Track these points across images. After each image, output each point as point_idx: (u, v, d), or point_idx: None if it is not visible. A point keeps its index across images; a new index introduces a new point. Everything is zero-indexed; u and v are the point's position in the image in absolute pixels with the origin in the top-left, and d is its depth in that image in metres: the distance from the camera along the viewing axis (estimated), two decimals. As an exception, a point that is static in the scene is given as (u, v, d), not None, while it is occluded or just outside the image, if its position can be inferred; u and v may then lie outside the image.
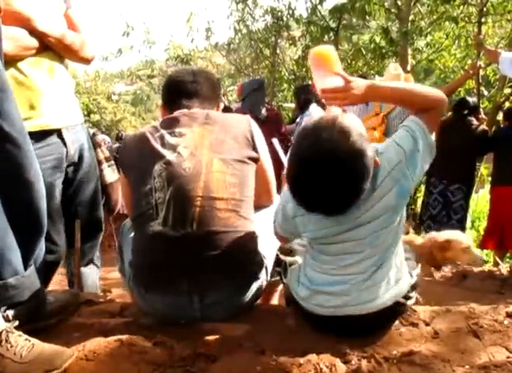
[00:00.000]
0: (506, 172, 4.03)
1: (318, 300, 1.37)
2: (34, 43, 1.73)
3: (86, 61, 2.00)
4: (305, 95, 4.26)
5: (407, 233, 4.38)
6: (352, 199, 1.22)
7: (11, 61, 1.64)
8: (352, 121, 1.23)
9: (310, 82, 6.73)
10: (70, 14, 1.91)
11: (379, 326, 1.40)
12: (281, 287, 1.81)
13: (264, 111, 4.26)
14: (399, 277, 1.36)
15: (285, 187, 1.53)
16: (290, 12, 8.26)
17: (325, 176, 1.18)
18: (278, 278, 1.74)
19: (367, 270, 1.32)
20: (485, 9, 5.68)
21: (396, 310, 1.39)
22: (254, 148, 1.53)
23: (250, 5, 8.62)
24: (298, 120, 4.31)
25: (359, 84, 1.31)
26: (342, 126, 1.19)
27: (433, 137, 1.34)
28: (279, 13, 8.36)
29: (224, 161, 1.46)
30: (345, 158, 1.17)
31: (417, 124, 1.31)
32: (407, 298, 1.40)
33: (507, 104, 5.69)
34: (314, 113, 4.08)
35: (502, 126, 4.56)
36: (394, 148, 1.30)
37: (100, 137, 3.13)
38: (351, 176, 1.19)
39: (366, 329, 1.37)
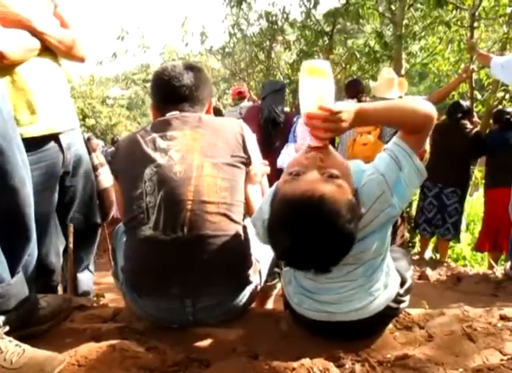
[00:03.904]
0: (499, 174, 4.05)
1: (310, 305, 1.35)
2: (37, 44, 1.69)
3: (81, 60, 1.94)
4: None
5: (402, 236, 4.39)
6: (343, 257, 1.15)
7: (11, 65, 1.60)
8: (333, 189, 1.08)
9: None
10: (60, 12, 1.86)
11: (372, 331, 1.39)
12: (275, 291, 1.80)
13: (282, 114, 4.36)
14: (388, 280, 1.33)
15: (265, 196, 1.49)
16: (285, 16, 8.31)
17: (314, 244, 1.07)
18: (274, 282, 1.74)
19: (358, 277, 1.29)
20: (477, 14, 5.71)
21: (388, 314, 1.37)
22: (246, 152, 1.52)
23: (244, 9, 8.66)
24: (294, 119, 4.36)
25: (348, 115, 1.16)
26: (324, 200, 1.05)
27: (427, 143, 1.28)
28: (274, 17, 8.40)
29: (215, 165, 1.45)
30: (335, 231, 1.07)
31: (402, 149, 1.24)
32: (400, 301, 1.39)
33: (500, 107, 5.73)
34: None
35: (493, 128, 4.59)
36: (375, 180, 1.22)
37: (95, 141, 3.11)
38: (340, 241, 1.10)
39: (359, 334, 1.36)
